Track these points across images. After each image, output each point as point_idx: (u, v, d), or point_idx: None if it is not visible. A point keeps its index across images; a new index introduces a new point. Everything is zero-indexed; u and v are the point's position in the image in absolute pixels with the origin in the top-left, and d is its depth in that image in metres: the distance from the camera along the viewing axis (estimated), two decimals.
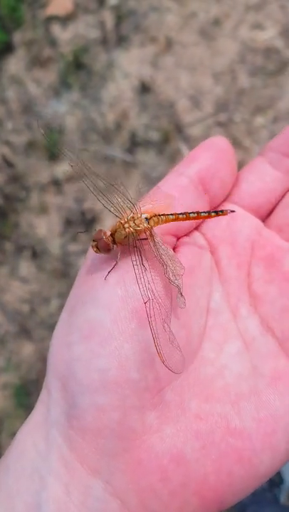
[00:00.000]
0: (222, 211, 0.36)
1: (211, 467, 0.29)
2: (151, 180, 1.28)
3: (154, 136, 1.31)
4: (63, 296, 1.22)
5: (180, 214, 0.34)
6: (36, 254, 1.27)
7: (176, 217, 0.34)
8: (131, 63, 1.37)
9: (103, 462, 0.28)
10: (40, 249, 1.27)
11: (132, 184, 1.28)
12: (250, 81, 1.32)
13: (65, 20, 1.44)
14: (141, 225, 0.34)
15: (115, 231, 0.34)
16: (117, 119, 1.33)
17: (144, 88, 1.34)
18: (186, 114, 1.31)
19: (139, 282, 0.30)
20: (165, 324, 0.29)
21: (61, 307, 1.21)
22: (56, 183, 1.31)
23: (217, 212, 0.36)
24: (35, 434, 0.30)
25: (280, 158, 0.38)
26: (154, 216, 0.35)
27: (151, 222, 0.34)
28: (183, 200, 0.35)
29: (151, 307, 0.29)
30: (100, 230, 0.34)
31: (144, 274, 0.30)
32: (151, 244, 0.33)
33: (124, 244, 0.34)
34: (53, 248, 1.27)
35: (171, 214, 0.34)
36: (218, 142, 0.37)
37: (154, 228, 0.35)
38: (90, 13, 1.43)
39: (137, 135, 1.31)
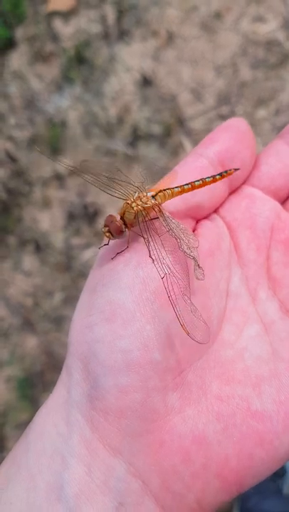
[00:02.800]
0: (226, 171, 0.35)
1: (233, 449, 0.29)
2: (153, 174, 1.28)
3: (156, 129, 1.31)
4: (67, 289, 1.23)
5: (185, 185, 0.34)
6: (39, 248, 1.28)
7: (182, 188, 0.34)
8: (132, 57, 1.37)
9: (125, 443, 0.28)
10: (43, 243, 1.28)
11: (134, 177, 1.28)
12: (251, 74, 1.31)
13: (67, 15, 1.44)
14: (148, 202, 0.34)
15: (124, 213, 0.34)
16: (119, 113, 1.33)
17: (146, 82, 1.34)
18: (187, 108, 1.31)
19: (154, 259, 0.30)
20: (185, 296, 0.29)
21: (65, 300, 1.22)
22: (59, 178, 1.32)
23: (221, 174, 0.35)
24: (55, 415, 0.30)
25: None
26: (160, 192, 0.35)
27: (158, 199, 0.34)
28: (198, 174, 0.35)
29: (169, 282, 0.29)
30: (110, 215, 0.34)
31: (158, 250, 0.30)
32: (162, 219, 0.33)
33: (134, 224, 0.34)
34: (56, 242, 1.27)
35: (177, 186, 0.34)
36: (238, 124, 0.36)
37: (163, 204, 0.35)
38: (92, 8, 1.43)
39: (139, 128, 1.31)
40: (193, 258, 0.30)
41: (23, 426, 1.15)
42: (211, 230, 0.35)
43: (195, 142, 1.28)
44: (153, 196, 0.35)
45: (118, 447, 0.28)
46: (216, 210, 0.38)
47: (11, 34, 1.45)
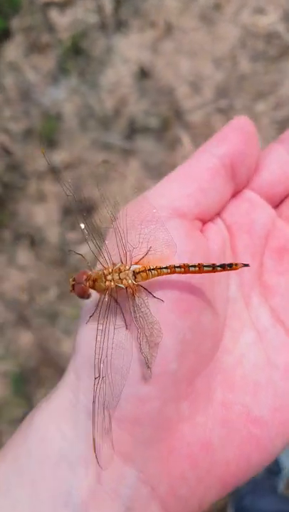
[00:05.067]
0: (232, 265, 0.31)
1: (233, 454, 0.31)
2: (150, 168, 1.26)
3: (153, 122, 1.29)
4: (61, 284, 1.22)
5: (176, 267, 0.31)
6: (34, 242, 1.26)
7: (172, 270, 0.31)
8: (130, 48, 1.35)
9: (138, 451, 0.29)
10: (38, 238, 1.26)
11: (130, 171, 1.27)
12: (251, 66, 1.29)
13: (63, 5, 1.41)
14: (124, 281, 0.32)
15: (96, 279, 0.32)
16: (115, 106, 1.31)
17: (144, 74, 1.32)
18: (186, 100, 1.29)
19: (96, 352, 0.29)
20: (106, 412, 0.28)
21: (59, 296, 1.21)
22: (54, 171, 1.30)
23: (224, 266, 0.31)
24: (59, 419, 0.29)
25: None
26: (144, 271, 0.32)
27: (138, 278, 0.32)
28: (213, 184, 0.33)
29: (99, 386, 0.28)
30: (84, 272, 0.32)
31: (102, 342, 0.29)
32: (130, 304, 0.31)
33: (103, 294, 0.32)
34: (52, 237, 1.26)
35: (166, 267, 0.31)
36: (246, 124, 0.35)
37: (143, 282, 0.32)
38: None
39: (136, 121, 1.29)
40: (145, 357, 0.29)
41: (17, 421, 1.14)
42: (217, 235, 0.35)
43: (193, 136, 1.27)
44: (135, 272, 0.32)
45: (130, 454, 0.29)
46: (218, 213, 0.37)
47: (7, 24, 1.42)
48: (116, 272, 0.32)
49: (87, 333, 0.30)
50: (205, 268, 0.31)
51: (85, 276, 0.32)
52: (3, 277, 1.25)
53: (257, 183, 0.37)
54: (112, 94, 1.33)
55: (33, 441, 0.29)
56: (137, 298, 0.31)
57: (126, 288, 0.32)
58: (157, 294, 0.30)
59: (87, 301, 0.33)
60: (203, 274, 0.31)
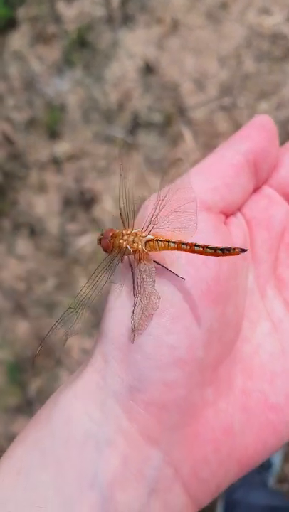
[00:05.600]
0: (231, 250, 0.31)
1: (252, 438, 0.32)
2: (152, 162, 1.27)
3: (157, 118, 1.30)
4: (60, 275, 1.22)
5: (183, 244, 0.32)
6: (34, 232, 1.26)
7: (179, 246, 0.32)
8: (136, 43, 1.35)
9: (164, 434, 0.29)
10: (38, 228, 1.26)
11: (132, 166, 1.27)
12: (255, 66, 1.30)
13: None
14: (135, 245, 0.33)
15: (115, 236, 0.34)
16: (119, 99, 1.32)
17: (149, 69, 1.32)
18: (189, 97, 1.29)
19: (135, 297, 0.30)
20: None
21: (58, 286, 1.21)
22: (56, 162, 1.30)
23: (224, 250, 0.31)
24: (86, 401, 0.29)
25: None
26: (152, 240, 0.33)
27: (147, 247, 0.33)
28: (237, 180, 0.34)
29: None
30: (111, 230, 0.34)
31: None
32: (135, 267, 0.32)
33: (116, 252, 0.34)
34: (51, 227, 1.26)
35: (174, 242, 0.32)
36: (268, 123, 0.36)
37: (152, 253, 0.33)
38: None
39: (139, 116, 1.30)
40: (133, 324, 0.30)
41: (11, 410, 1.14)
42: (238, 228, 0.36)
43: (195, 132, 1.27)
44: (147, 241, 0.33)
45: (157, 438, 0.29)
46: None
47: (13, 14, 1.42)
48: (132, 236, 0.33)
49: (117, 318, 0.31)
50: (208, 250, 0.31)
51: (111, 233, 0.34)
52: (1, 266, 1.25)
53: (275, 180, 0.38)
54: (116, 87, 1.33)
55: (57, 422, 0.29)
56: (142, 264, 0.32)
57: (134, 252, 0.33)
58: (188, 283, 0.31)
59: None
60: (207, 256, 0.31)
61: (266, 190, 0.38)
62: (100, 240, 0.34)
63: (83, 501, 0.27)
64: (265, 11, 1.35)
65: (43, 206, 1.28)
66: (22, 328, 1.19)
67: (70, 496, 0.27)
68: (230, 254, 0.31)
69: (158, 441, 0.29)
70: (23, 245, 1.26)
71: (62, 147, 1.31)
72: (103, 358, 0.30)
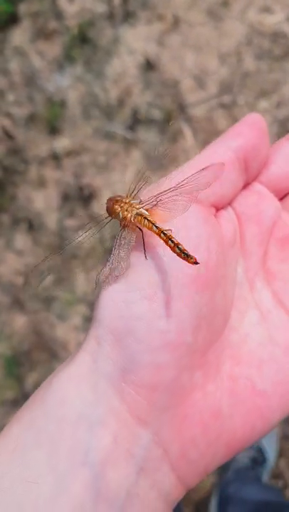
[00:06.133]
0: (188, 256, 0.32)
1: (239, 422, 0.33)
2: (152, 159, 1.27)
3: (157, 114, 1.30)
4: (58, 270, 1.22)
5: (163, 232, 0.33)
6: (33, 227, 1.27)
7: (159, 232, 0.33)
8: (137, 40, 1.35)
9: (154, 415, 0.30)
10: (36, 223, 1.27)
11: (132, 162, 1.27)
12: (255, 64, 1.31)
13: None
14: (126, 213, 0.35)
15: (116, 202, 0.36)
16: (120, 96, 1.32)
17: (149, 66, 1.32)
18: (189, 94, 1.30)
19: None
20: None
21: (55, 281, 1.21)
22: (55, 157, 1.30)
23: (182, 254, 0.32)
24: (79, 383, 0.30)
25: None
26: (140, 215, 0.34)
27: (136, 219, 0.35)
28: (228, 175, 0.35)
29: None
30: (118, 196, 0.36)
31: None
32: (118, 234, 0.34)
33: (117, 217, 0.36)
34: (50, 222, 1.26)
35: (156, 226, 0.33)
36: (259, 121, 0.37)
37: (138, 225, 0.35)
38: None
39: (140, 113, 1.30)
40: (97, 279, 0.31)
41: (8, 403, 1.15)
42: (229, 222, 0.37)
43: (195, 130, 1.28)
44: (137, 214, 0.35)
45: (146, 419, 0.30)
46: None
47: (14, 9, 1.42)
48: (127, 204, 0.35)
49: (110, 304, 0.31)
50: (177, 249, 0.31)
51: (115, 198, 0.36)
52: (0, 260, 1.25)
53: (265, 177, 0.39)
54: (116, 84, 1.33)
55: (51, 403, 0.30)
56: (126, 231, 0.34)
57: (123, 218, 0.34)
58: (177, 269, 0.32)
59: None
60: (170, 250, 0.32)
61: (256, 186, 0.39)
62: (107, 204, 0.36)
63: (76, 478, 0.28)
64: (266, 10, 1.35)
65: (41, 201, 1.28)
66: (19, 322, 1.20)
67: (63, 472, 0.28)
68: (188, 261, 0.31)
69: (147, 421, 0.30)
70: (21, 240, 1.26)
71: (61, 143, 1.31)
72: (96, 341, 0.31)
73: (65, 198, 1.27)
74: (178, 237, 0.32)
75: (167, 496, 0.31)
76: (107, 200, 0.36)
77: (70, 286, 1.20)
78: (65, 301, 1.19)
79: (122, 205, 0.35)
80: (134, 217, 0.34)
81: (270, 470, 1.04)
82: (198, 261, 0.31)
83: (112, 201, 0.35)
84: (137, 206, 0.35)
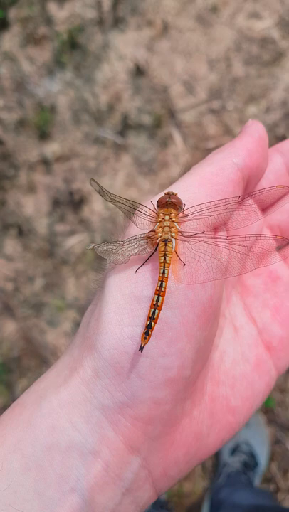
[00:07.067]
0: (162, 285, 0.32)
1: (214, 439, 0.35)
2: (141, 164, 1.27)
3: (146, 119, 1.30)
4: (48, 276, 1.22)
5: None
6: (23, 232, 1.26)
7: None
8: (126, 45, 1.35)
9: (146, 444, 0.31)
10: (26, 228, 1.26)
11: (122, 167, 1.27)
12: (244, 70, 1.32)
13: None
14: (160, 230, 0.34)
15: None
16: (109, 101, 1.32)
17: (139, 71, 1.33)
18: (179, 99, 1.30)
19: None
20: None
21: (46, 287, 1.21)
22: (45, 163, 1.30)
23: (162, 282, 0.33)
24: (72, 411, 0.30)
25: None
26: (168, 242, 0.34)
27: (161, 244, 0.34)
28: (233, 195, 0.35)
29: None
30: (171, 204, 0.35)
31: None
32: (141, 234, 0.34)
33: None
34: (40, 227, 1.26)
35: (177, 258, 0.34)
36: (264, 136, 0.37)
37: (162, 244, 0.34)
38: None
39: (129, 118, 1.30)
40: (92, 247, 0.33)
41: None
42: (221, 239, 0.37)
43: (184, 135, 1.28)
44: (172, 238, 0.35)
45: (139, 447, 0.31)
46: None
47: (4, 14, 1.42)
48: (167, 227, 0.35)
49: (113, 336, 0.31)
50: (163, 278, 0.32)
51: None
52: None
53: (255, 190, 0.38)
54: (106, 89, 1.33)
55: (41, 428, 0.30)
56: (145, 240, 0.35)
57: (155, 238, 0.35)
58: (187, 306, 0.32)
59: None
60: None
61: (248, 201, 0.38)
62: (165, 195, 0.35)
63: (64, 504, 0.28)
64: (255, 15, 1.36)
65: (31, 206, 1.28)
66: (9, 328, 1.19)
67: (50, 498, 0.28)
68: (162, 281, 0.32)
69: (139, 449, 0.31)
70: (11, 245, 1.26)
71: (51, 148, 1.31)
72: (94, 372, 0.31)
73: (56, 203, 1.27)
74: (191, 273, 0.32)
75: (143, 506, 0.32)
76: (165, 195, 0.34)
77: (61, 292, 1.19)
78: (56, 307, 1.18)
79: (165, 217, 0.34)
80: (164, 237, 0.34)
81: (261, 474, 1.04)
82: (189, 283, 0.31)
83: (164, 203, 0.34)
84: (175, 231, 0.34)
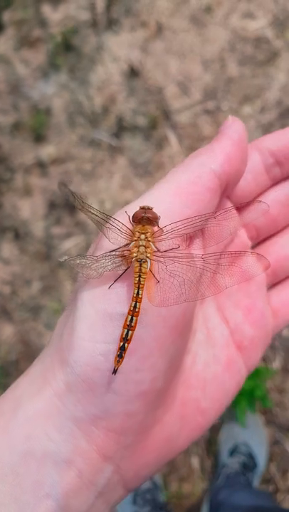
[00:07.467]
0: (135, 303, 0.32)
1: (184, 440, 0.36)
2: (137, 166, 1.27)
3: (142, 121, 1.30)
4: (45, 279, 1.22)
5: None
6: (19, 235, 1.26)
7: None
8: (120, 47, 1.35)
9: (118, 452, 0.32)
10: (23, 231, 1.26)
11: (117, 169, 1.27)
12: (239, 70, 1.32)
13: (56, 1, 1.42)
14: (136, 250, 0.34)
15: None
16: (104, 103, 1.32)
17: (133, 73, 1.33)
18: (174, 101, 1.30)
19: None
20: None
21: (42, 290, 1.21)
22: (41, 165, 1.30)
23: (137, 300, 0.33)
24: (46, 422, 0.31)
25: (274, 165, 0.38)
26: (143, 263, 0.34)
27: (136, 264, 0.34)
28: (210, 204, 0.34)
29: None
30: (147, 220, 0.34)
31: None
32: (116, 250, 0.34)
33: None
34: (36, 230, 1.26)
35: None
36: (244, 139, 0.36)
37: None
38: None
39: (124, 120, 1.30)
40: (66, 260, 0.33)
41: None
42: (197, 245, 0.37)
43: (180, 136, 1.28)
44: (147, 259, 0.34)
45: (111, 455, 0.32)
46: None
47: None
48: (142, 246, 0.34)
49: (86, 352, 0.31)
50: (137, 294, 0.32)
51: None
52: None
53: (233, 192, 0.38)
54: (101, 91, 1.33)
55: (17, 437, 0.31)
56: (120, 259, 0.34)
57: (127, 250, 0.34)
58: (160, 322, 0.32)
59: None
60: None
61: (226, 203, 0.38)
62: (139, 210, 0.34)
63: (39, 508, 0.29)
64: (249, 15, 1.36)
65: (28, 209, 1.28)
66: (7, 331, 1.19)
67: (26, 503, 0.29)
68: (136, 300, 0.32)
69: (112, 457, 0.32)
70: (8, 249, 1.26)
71: (47, 150, 1.31)
72: (66, 386, 0.31)
73: (52, 205, 1.27)
74: (164, 291, 0.32)
75: (114, 504, 0.33)
76: (140, 210, 0.33)
77: (58, 295, 1.19)
78: (53, 310, 1.18)
79: (141, 235, 0.33)
80: (140, 257, 0.33)
81: (260, 475, 1.04)
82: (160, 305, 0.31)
83: (139, 219, 0.33)
84: (151, 251, 0.33)
